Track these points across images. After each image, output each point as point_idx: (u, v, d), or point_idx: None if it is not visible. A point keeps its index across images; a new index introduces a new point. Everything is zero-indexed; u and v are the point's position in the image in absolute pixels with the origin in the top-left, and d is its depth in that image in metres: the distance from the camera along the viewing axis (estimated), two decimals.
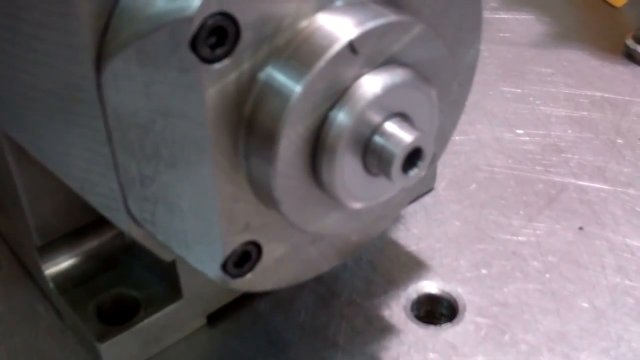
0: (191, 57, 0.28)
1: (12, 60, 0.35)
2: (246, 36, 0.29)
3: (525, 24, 0.75)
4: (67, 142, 0.35)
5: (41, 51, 0.32)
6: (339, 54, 0.31)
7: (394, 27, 0.32)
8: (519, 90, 0.65)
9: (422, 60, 0.34)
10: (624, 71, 0.68)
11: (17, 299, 0.48)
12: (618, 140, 0.59)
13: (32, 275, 0.48)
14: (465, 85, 0.41)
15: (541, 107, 0.63)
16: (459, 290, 0.47)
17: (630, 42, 0.69)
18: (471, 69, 0.41)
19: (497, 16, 0.75)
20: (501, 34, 0.73)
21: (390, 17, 0.32)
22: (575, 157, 0.57)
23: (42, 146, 0.37)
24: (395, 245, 0.51)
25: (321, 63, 0.31)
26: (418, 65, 0.34)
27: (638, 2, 0.76)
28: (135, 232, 0.36)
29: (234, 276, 0.35)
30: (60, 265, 0.45)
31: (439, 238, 0.51)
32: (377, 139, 0.33)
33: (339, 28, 0.31)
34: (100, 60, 0.31)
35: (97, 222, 0.44)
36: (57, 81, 0.33)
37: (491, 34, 0.73)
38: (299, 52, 0.31)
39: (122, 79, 0.31)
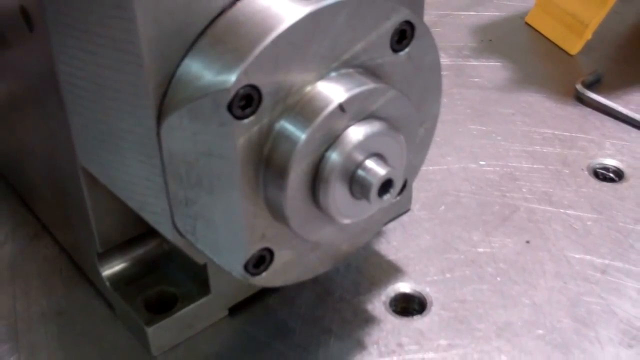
0: (227, 116, 0.36)
1: (93, 114, 0.41)
2: (266, 100, 0.37)
3: (492, 70, 0.79)
4: (131, 173, 0.42)
5: (116, 108, 0.40)
6: (332, 112, 0.38)
7: (373, 92, 0.39)
8: (484, 128, 0.70)
9: (393, 115, 0.41)
10: (573, 111, 0.72)
11: (76, 296, 0.53)
12: (564, 170, 0.64)
13: (89, 277, 0.53)
14: (430, 130, 0.47)
15: (502, 142, 0.68)
16: (428, 290, 0.53)
17: (579, 87, 0.74)
18: (435, 118, 0.47)
19: (468, 63, 0.80)
20: (471, 79, 0.77)
21: (370, 84, 0.39)
22: (527, 184, 0.63)
23: (110, 175, 0.44)
24: (377, 255, 0.56)
25: (319, 118, 0.38)
26: (390, 119, 0.40)
27: (590, 51, 0.80)
28: (178, 241, 0.43)
29: (253, 275, 0.42)
30: (114, 268, 0.50)
31: (413, 249, 0.56)
32: (360, 172, 0.39)
33: (333, 93, 0.38)
34: (160, 116, 0.38)
35: (144, 235, 0.50)
36: (127, 129, 0.40)
37: (463, 79, 0.77)
38: (304, 110, 0.38)
39: (176, 130, 0.38)
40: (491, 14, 0.91)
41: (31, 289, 0.54)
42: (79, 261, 0.55)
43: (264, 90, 0.37)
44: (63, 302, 0.53)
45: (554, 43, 0.84)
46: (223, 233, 0.41)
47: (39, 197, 0.57)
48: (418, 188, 0.61)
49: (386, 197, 0.40)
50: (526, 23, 0.88)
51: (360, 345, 0.49)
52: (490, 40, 0.85)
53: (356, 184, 0.40)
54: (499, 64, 0.81)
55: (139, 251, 0.52)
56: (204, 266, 0.48)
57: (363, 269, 0.55)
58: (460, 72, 0.79)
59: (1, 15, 0.47)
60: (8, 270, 0.56)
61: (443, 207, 0.61)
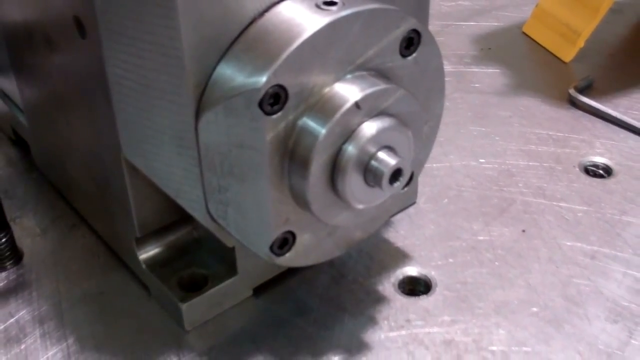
0: (258, 112, 0.40)
1: (138, 111, 0.45)
2: (292, 99, 0.41)
3: (491, 76, 0.82)
4: (169, 164, 0.45)
5: (158, 106, 0.44)
6: (349, 109, 0.42)
7: (384, 91, 0.43)
8: (484, 129, 0.73)
9: (402, 113, 0.44)
10: (566, 114, 0.76)
11: (113, 279, 0.57)
12: (557, 167, 0.68)
13: (125, 261, 0.57)
14: (434, 127, 0.51)
15: (500, 142, 0.71)
16: (433, 273, 0.56)
17: (572, 91, 0.77)
18: (438, 117, 0.51)
19: (469, 70, 0.83)
20: (472, 85, 0.81)
21: (381, 85, 0.43)
22: (523, 180, 0.66)
23: (151, 166, 0.47)
24: (387, 242, 0.60)
25: (337, 115, 0.41)
26: (399, 115, 0.44)
27: (583, 58, 0.84)
28: (211, 225, 0.47)
29: (277, 255, 0.45)
30: (149, 252, 0.54)
31: (419, 237, 0.60)
32: (373, 162, 0.43)
33: (349, 92, 0.42)
34: (198, 112, 0.42)
35: (176, 222, 0.54)
36: (168, 125, 0.44)
37: (464, 84, 0.81)
38: (324, 108, 0.42)
39: (212, 124, 0.42)
40: (490, 24, 0.95)
41: (72, 273, 0.58)
42: (116, 247, 0.59)
43: (290, 90, 0.41)
44: (101, 284, 0.57)
45: (549, 51, 0.87)
46: (251, 217, 0.45)
47: (78, 190, 0.61)
48: (423, 183, 0.65)
49: (396, 184, 0.44)
50: (523, 32, 0.92)
51: (372, 321, 0.53)
52: (490, 48, 0.89)
53: (370, 173, 0.44)
54: (497, 70, 0.84)
55: (172, 237, 0.55)
56: (232, 249, 0.51)
57: (374, 255, 0.59)
58: (462, 78, 0.83)
59: (50, 22, 0.51)
60: (51, 256, 0.60)
61: (446, 200, 0.65)
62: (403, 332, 0.52)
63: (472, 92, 0.80)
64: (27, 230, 0.63)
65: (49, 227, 0.63)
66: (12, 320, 0.54)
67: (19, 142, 0.72)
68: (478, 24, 0.95)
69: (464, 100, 0.79)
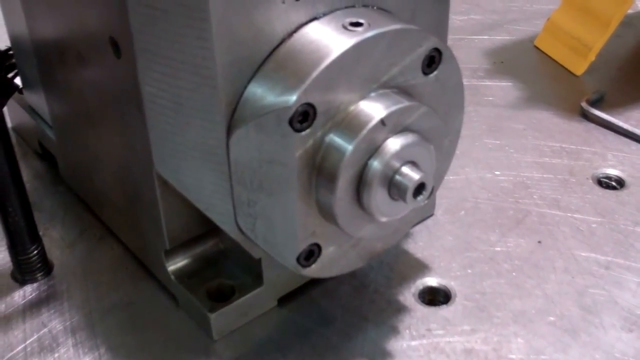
0: (288, 129, 0.41)
1: (171, 128, 0.46)
2: (320, 116, 0.42)
3: (504, 89, 0.83)
4: (201, 178, 0.47)
5: (191, 123, 0.45)
6: (374, 126, 0.43)
7: (407, 108, 0.44)
8: (498, 142, 0.74)
9: (424, 128, 0.46)
10: (579, 127, 0.77)
11: (141, 289, 0.58)
12: (571, 179, 0.69)
13: (153, 272, 0.58)
14: (454, 141, 0.52)
15: (514, 155, 0.72)
16: (452, 283, 0.57)
17: (584, 105, 0.78)
18: (458, 131, 0.52)
19: (482, 83, 0.85)
20: (485, 98, 0.82)
21: (405, 102, 0.44)
22: (538, 192, 0.67)
23: (182, 180, 0.48)
24: (406, 253, 0.60)
25: (364, 131, 0.43)
26: (422, 131, 0.45)
27: (594, 72, 0.85)
28: (239, 238, 0.48)
29: (303, 267, 0.47)
30: (178, 264, 0.55)
31: (438, 248, 0.61)
32: (397, 177, 0.44)
33: (374, 110, 0.43)
34: (229, 129, 0.43)
35: (203, 234, 0.55)
36: (200, 141, 0.45)
37: (478, 98, 0.82)
38: (350, 125, 0.43)
39: (243, 141, 0.43)
40: (503, 37, 0.96)
41: (102, 284, 0.60)
42: (144, 259, 0.60)
43: (319, 108, 0.42)
44: (130, 294, 0.58)
45: (560, 64, 0.88)
46: (279, 230, 0.46)
47: (106, 203, 0.63)
48: (440, 195, 0.66)
49: (420, 198, 0.45)
50: (535, 46, 0.93)
51: (394, 330, 0.54)
52: (502, 62, 0.90)
53: (394, 187, 0.45)
54: (510, 84, 0.85)
55: (199, 249, 0.57)
56: (259, 260, 0.53)
57: (394, 266, 0.60)
58: (476, 91, 0.84)
59: (84, 40, 0.53)
60: (80, 267, 0.61)
61: (463, 212, 0.66)
62: (424, 341, 0.54)
63: (486, 105, 0.81)
64: (55, 242, 0.64)
65: (77, 239, 0.65)
66: (45, 330, 0.56)
67: (45, 155, 0.73)
68: (490, 37, 0.96)
69: (478, 113, 0.80)
